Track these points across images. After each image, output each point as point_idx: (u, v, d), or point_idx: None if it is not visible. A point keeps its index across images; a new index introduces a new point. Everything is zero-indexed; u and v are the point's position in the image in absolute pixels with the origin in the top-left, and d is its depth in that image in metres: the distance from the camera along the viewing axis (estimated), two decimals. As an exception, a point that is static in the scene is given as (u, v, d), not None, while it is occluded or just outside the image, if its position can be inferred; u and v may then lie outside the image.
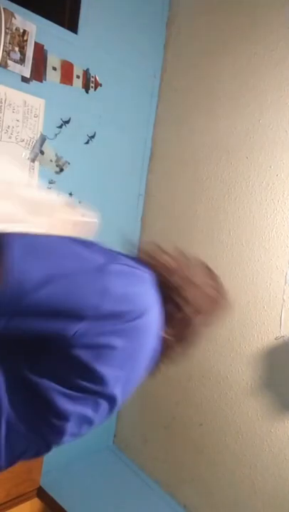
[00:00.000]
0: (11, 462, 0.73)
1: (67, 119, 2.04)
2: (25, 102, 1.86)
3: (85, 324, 0.65)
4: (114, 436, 2.61)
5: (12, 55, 1.77)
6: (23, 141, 1.90)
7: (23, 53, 1.80)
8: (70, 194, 2.07)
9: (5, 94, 1.78)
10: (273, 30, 1.98)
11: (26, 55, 1.81)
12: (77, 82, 2.04)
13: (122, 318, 0.68)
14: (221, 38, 2.19)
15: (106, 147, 2.23)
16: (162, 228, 2.42)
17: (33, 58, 1.84)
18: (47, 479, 2.15)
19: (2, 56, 1.74)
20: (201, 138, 2.25)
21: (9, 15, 1.73)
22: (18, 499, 2.04)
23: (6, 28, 1.73)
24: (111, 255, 0.77)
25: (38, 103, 1.90)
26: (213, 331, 2.12)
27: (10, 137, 1.85)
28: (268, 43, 2.00)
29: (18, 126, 1.86)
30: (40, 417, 0.69)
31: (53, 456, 2.21)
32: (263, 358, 1.95)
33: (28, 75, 1.84)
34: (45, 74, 1.91)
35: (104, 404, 0.72)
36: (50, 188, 2.03)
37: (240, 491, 2.01)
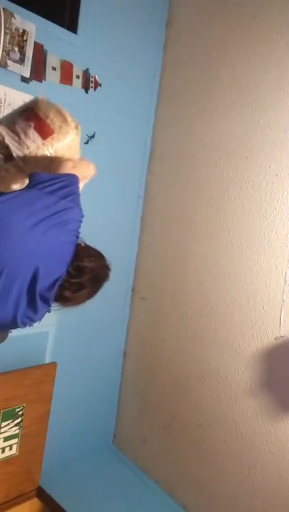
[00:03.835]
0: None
1: (66, 119, 2.04)
2: (24, 102, 1.86)
3: None
4: (114, 436, 2.61)
5: (12, 55, 1.77)
6: (23, 141, 1.89)
7: (22, 53, 1.80)
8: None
9: (5, 94, 1.78)
10: (273, 30, 1.98)
11: (26, 55, 1.81)
12: (77, 82, 2.04)
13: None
14: (220, 38, 2.19)
15: (105, 147, 2.23)
16: (162, 229, 2.41)
17: (33, 58, 1.84)
18: (46, 479, 2.15)
19: (2, 56, 1.74)
20: (201, 138, 2.25)
21: (9, 15, 1.73)
22: (18, 499, 2.04)
23: (5, 28, 1.72)
24: None
25: (37, 103, 1.90)
26: (213, 332, 2.12)
27: (10, 137, 1.85)
28: (267, 43, 2.00)
29: (17, 126, 1.85)
30: None
31: (53, 456, 2.22)
32: (262, 358, 1.95)
33: (27, 75, 1.84)
34: (45, 74, 1.91)
35: None
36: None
37: (240, 491, 2.01)
